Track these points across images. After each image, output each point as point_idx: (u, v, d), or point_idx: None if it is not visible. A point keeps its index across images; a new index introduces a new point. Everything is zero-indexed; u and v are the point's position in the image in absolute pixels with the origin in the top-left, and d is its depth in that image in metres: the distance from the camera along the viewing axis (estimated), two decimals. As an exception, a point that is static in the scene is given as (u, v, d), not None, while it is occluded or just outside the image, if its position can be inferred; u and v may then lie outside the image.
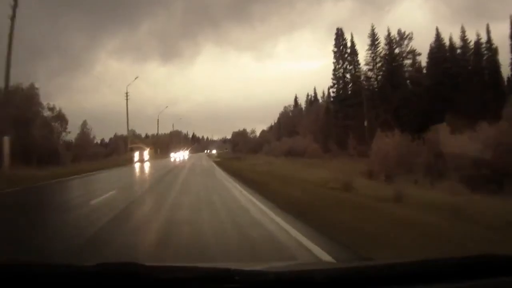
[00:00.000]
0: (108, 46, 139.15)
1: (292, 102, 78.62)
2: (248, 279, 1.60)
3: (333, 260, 4.31)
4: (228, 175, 19.98)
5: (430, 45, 47.02)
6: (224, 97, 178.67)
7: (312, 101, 69.95)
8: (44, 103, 34.00)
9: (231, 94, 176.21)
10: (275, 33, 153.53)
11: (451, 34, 45.94)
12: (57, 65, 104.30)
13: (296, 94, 77.46)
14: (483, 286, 1.69)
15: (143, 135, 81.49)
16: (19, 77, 34.93)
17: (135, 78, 55.69)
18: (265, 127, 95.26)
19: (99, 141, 64.50)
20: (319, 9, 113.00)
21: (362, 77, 48.26)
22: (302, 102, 76.76)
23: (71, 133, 41.54)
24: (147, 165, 36.13)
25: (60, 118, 35.59)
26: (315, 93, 70.71)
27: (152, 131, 73.11)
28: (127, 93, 43.91)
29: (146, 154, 46.77)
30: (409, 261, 1.93)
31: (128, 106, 45.47)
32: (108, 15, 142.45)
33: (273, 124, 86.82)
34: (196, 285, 1.59)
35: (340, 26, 52.51)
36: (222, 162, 36.94)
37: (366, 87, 47.55)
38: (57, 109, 35.32)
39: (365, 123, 29.51)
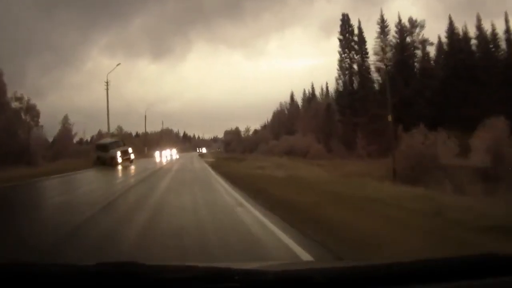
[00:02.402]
0: (99, 43, 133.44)
1: (285, 100, 73.42)
2: (248, 279, 1.59)
3: (333, 260, 4.09)
4: (236, 189, 12.48)
5: (438, 36, 43.35)
6: (215, 95, 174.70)
7: (310, 98, 64.43)
8: (11, 91, 27.66)
9: (223, 93, 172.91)
10: (267, 30, 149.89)
11: (465, 22, 42.12)
12: (48, 61, 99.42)
13: (292, 91, 72.24)
14: (483, 286, 1.67)
15: (133, 134, 76.02)
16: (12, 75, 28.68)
17: (117, 65, 47.36)
18: (257, 126, 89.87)
19: (89, 138, 60.41)
20: (312, 6, 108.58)
21: (372, 68, 42.87)
22: (298, 99, 71.45)
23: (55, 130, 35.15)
24: (119, 168, 28.69)
25: (30, 110, 29.34)
26: (313, 90, 65.66)
27: (143, 129, 67.39)
28: (107, 82, 37.98)
29: (119, 153, 32.53)
30: (408, 261, 1.88)
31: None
32: (98, 12, 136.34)
33: (266, 122, 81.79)
34: (196, 284, 1.57)
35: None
36: (219, 164, 29.57)
37: (375, 79, 42.44)
38: (26, 98, 29.04)
39: (390, 118, 23.99)
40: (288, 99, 75.36)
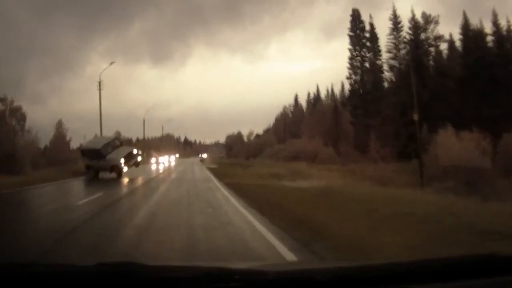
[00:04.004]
0: (99, 48, 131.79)
1: (287, 104, 71.53)
2: (248, 279, 1.58)
3: (333, 260, 4.03)
4: (261, 217, 7.99)
5: (450, 34, 42.83)
6: (216, 100, 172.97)
7: (315, 100, 61.81)
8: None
9: (223, 98, 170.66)
10: (267, 33, 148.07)
11: (480, 19, 39.41)
12: (48, 67, 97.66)
13: (296, 94, 69.51)
14: (483, 286, 1.66)
15: (134, 139, 73.87)
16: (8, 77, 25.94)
17: (111, 63, 43.48)
18: (258, 130, 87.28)
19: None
20: (312, 8, 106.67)
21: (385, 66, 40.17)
22: (301, 102, 68.92)
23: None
24: (107, 178, 23.57)
25: (14, 112, 26.29)
26: (318, 92, 63.01)
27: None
28: (100, 82, 35.06)
29: (123, 159, 24.74)
30: (408, 261, 1.89)
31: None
32: (98, 17, 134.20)
33: (269, 126, 79.00)
34: (196, 284, 1.55)
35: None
36: (224, 173, 25.69)
37: (389, 77, 39.66)
38: (9, 99, 25.99)
39: (416, 117, 21.11)
40: (289, 103, 73.60)
